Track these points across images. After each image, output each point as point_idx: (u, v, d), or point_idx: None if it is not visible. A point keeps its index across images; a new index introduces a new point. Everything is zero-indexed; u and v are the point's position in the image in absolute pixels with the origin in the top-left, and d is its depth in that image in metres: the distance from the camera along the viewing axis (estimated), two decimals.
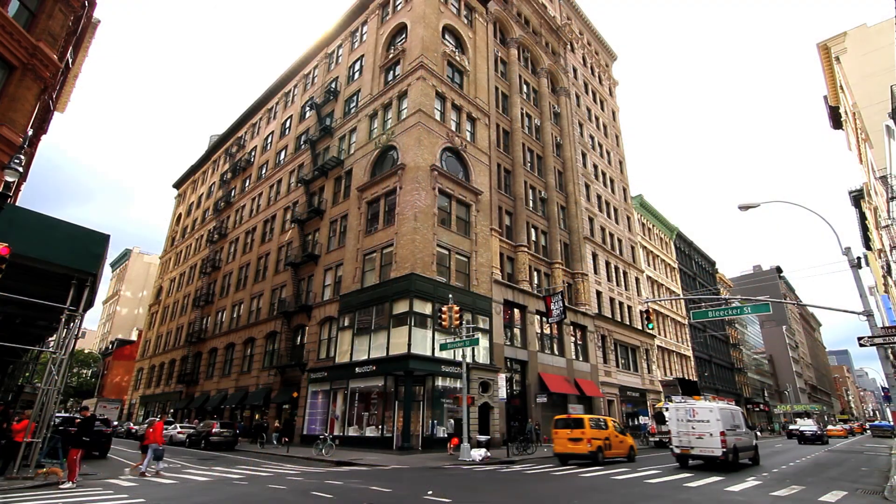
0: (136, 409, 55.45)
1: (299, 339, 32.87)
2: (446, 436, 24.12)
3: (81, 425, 12.65)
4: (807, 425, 45.49)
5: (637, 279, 50.18)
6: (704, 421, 17.71)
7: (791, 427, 53.33)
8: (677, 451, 18.15)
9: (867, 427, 77.49)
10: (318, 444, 20.92)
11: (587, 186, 45.98)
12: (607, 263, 45.03)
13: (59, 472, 12.77)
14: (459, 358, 23.36)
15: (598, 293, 42.16)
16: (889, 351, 24.18)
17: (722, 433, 17.03)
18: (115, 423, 42.02)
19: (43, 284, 14.93)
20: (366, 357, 25.90)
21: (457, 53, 34.09)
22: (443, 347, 22.70)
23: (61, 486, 11.75)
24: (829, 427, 61.19)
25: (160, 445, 15.04)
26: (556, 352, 34.97)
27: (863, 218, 43.58)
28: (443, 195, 28.81)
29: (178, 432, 30.87)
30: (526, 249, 34.14)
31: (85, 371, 78.16)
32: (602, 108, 55.38)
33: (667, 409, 34.56)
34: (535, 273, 35.42)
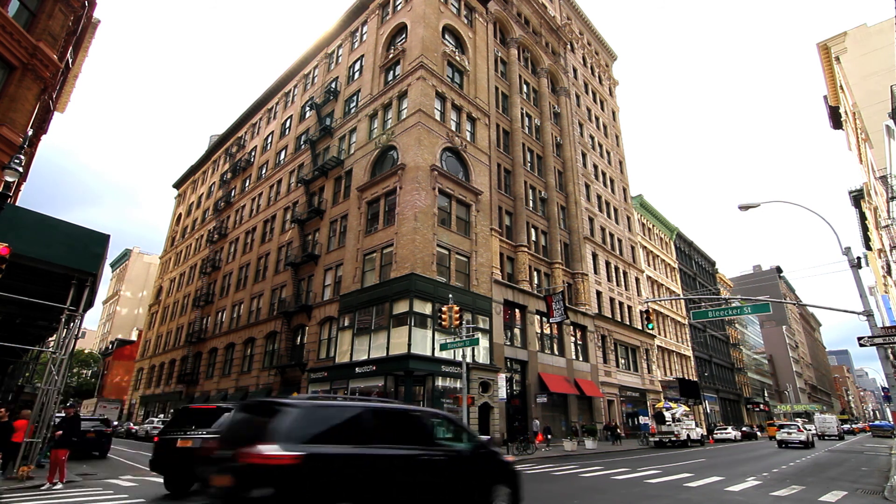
0: (136, 409, 55.43)
1: (299, 339, 32.85)
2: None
3: (67, 425, 12.47)
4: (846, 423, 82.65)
5: (637, 279, 50.17)
6: (829, 422, 52.51)
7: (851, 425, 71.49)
8: (820, 432, 50.14)
9: None
10: None
11: (587, 186, 45.97)
12: (607, 263, 45.02)
13: (26, 469, 12.61)
14: (459, 358, 23.36)
15: (598, 293, 42.15)
16: (889, 351, 24.15)
17: (837, 427, 52.29)
18: (116, 423, 42.02)
19: (43, 284, 14.93)
20: (366, 357, 25.89)
21: (457, 53, 34.07)
22: (443, 347, 22.68)
23: (54, 487, 11.69)
24: (854, 426, 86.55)
25: None
26: (556, 352, 34.96)
27: (863, 218, 43.57)
28: (443, 195, 28.79)
29: None
30: (526, 249, 34.12)
31: (85, 371, 78.18)
32: (602, 108, 55.36)
33: (667, 408, 34.67)
34: (535, 273, 35.41)
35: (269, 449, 5.27)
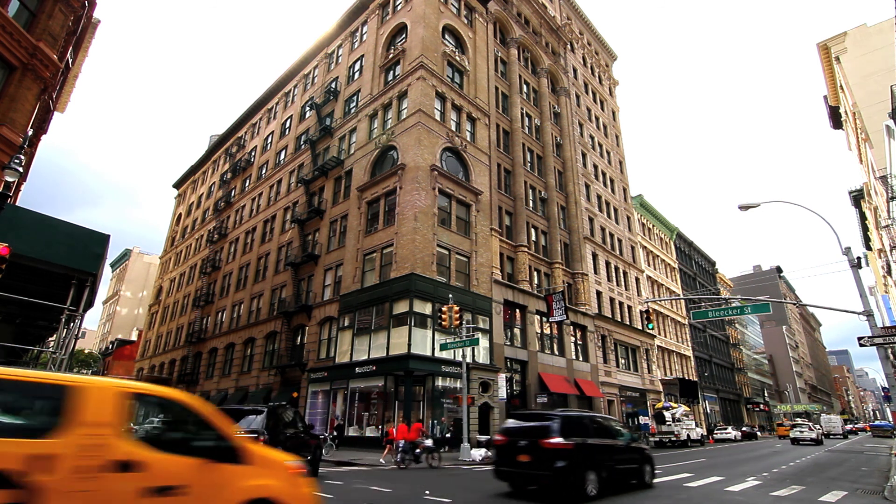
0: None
1: (299, 339, 32.85)
2: (446, 436, 24.13)
3: None
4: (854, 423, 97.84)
5: (637, 279, 50.17)
6: (834, 422, 60.56)
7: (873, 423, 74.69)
8: (826, 431, 55.51)
9: None
10: None
11: (587, 186, 45.96)
12: (607, 263, 45.01)
13: None
14: (459, 358, 23.36)
15: (598, 293, 42.14)
16: (889, 351, 24.15)
17: (842, 426, 61.41)
18: None
19: (43, 284, 14.92)
20: (366, 357, 25.89)
21: (457, 53, 34.07)
22: (443, 347, 22.69)
23: None
24: (855, 426, 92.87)
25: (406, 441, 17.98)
26: (556, 352, 34.95)
27: (863, 218, 43.59)
28: (443, 195, 28.79)
29: None
30: (526, 249, 34.12)
31: (85, 371, 78.18)
32: (602, 108, 55.36)
33: (667, 408, 34.71)
34: (535, 273, 35.41)
35: (559, 439, 9.91)
